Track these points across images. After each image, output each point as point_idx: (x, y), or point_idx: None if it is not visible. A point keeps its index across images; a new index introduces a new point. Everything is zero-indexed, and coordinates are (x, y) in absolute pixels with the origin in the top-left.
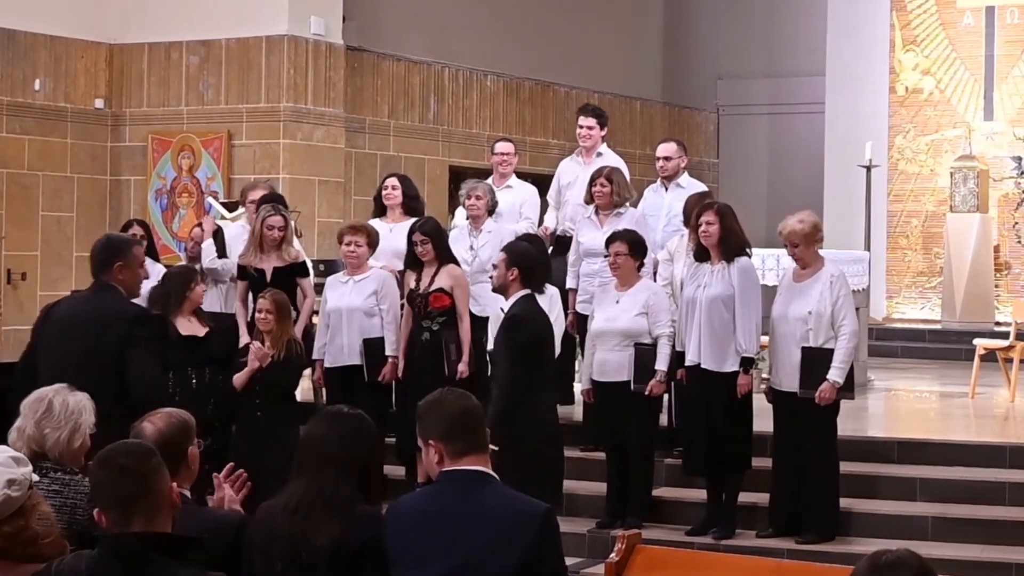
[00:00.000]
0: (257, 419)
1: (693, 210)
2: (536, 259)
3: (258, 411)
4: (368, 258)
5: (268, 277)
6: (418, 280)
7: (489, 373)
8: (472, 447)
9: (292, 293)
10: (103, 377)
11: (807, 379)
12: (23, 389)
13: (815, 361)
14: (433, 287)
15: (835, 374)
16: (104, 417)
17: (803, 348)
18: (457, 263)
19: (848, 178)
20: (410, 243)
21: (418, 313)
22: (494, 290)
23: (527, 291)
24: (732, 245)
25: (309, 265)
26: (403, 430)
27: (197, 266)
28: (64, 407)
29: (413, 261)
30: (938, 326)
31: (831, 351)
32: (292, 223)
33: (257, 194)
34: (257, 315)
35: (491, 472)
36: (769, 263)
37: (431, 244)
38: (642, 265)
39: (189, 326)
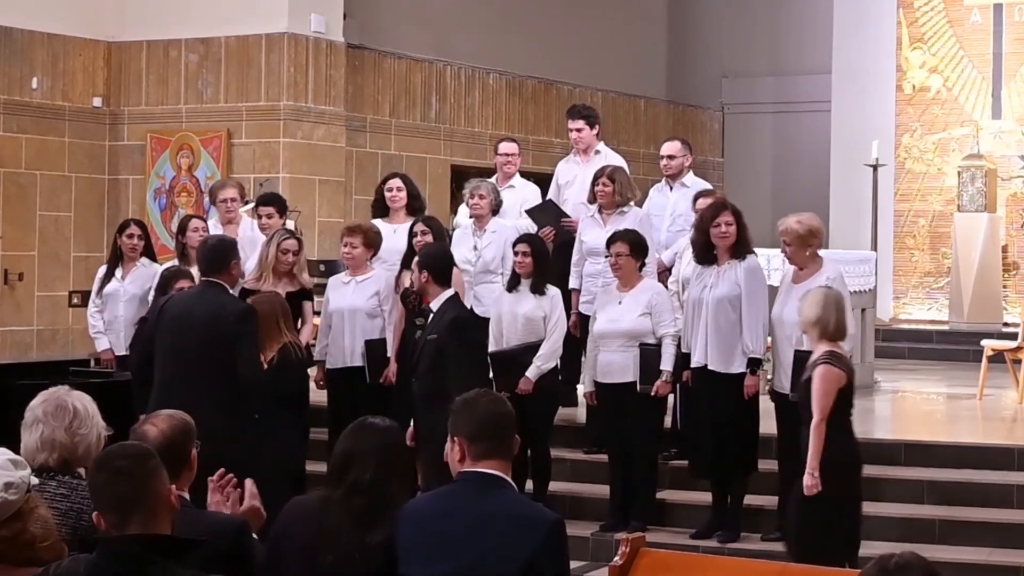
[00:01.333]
0: (255, 421)
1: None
2: (445, 257)
3: (255, 413)
4: (366, 259)
5: None
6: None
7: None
8: (495, 452)
9: (297, 316)
10: (213, 368)
11: (797, 382)
12: (144, 383)
13: (804, 364)
14: None
15: None
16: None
17: (795, 351)
18: (455, 264)
19: (854, 177)
20: (410, 238)
21: (412, 311)
22: (418, 292)
23: (451, 291)
24: (744, 245)
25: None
26: None
27: (192, 268)
28: (85, 410)
29: (410, 259)
30: (945, 327)
31: None
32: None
33: (228, 193)
34: None
35: (507, 477)
36: (775, 263)
37: (431, 237)
38: (643, 265)
39: None
